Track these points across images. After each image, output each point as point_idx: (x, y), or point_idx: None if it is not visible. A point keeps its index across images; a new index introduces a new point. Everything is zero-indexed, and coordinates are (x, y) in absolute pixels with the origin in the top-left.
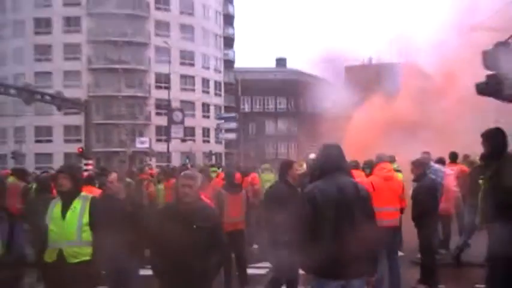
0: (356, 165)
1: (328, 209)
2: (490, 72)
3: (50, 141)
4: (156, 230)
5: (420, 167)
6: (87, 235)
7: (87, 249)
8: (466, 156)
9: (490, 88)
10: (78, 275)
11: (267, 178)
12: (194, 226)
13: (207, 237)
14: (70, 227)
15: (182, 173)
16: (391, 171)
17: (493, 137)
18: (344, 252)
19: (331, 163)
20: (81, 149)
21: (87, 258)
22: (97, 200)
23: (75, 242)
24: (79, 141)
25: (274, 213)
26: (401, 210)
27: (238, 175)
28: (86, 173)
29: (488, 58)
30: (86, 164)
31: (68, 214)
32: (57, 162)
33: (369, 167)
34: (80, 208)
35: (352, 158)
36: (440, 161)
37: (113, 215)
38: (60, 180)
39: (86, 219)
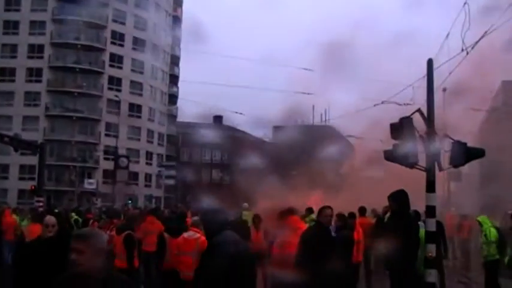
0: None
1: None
2: (396, 142)
3: (6, 178)
4: None
5: (341, 220)
6: None
7: None
8: (373, 210)
9: (395, 155)
10: None
11: None
12: None
13: None
14: None
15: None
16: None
17: (398, 198)
18: None
19: (222, 221)
20: (33, 187)
21: None
22: None
23: None
24: (32, 179)
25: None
26: None
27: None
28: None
29: (394, 130)
30: (37, 201)
31: None
32: (12, 198)
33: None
34: None
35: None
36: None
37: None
38: None
39: None
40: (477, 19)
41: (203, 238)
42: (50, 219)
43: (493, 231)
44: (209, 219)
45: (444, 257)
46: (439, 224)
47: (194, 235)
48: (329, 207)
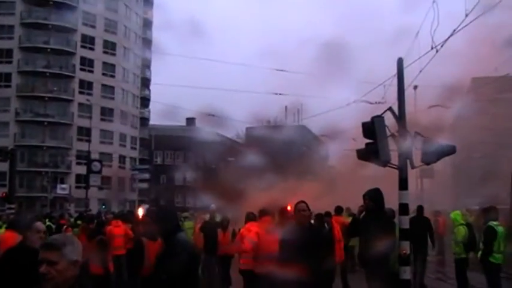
0: (254, 217)
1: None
2: (368, 141)
3: None
4: None
5: (318, 219)
6: None
7: None
8: (347, 209)
9: (368, 154)
10: None
11: (188, 225)
12: None
13: None
14: None
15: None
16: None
17: (374, 196)
18: None
19: (177, 222)
20: (4, 194)
21: None
22: None
23: None
24: (3, 186)
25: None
26: None
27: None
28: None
29: (366, 129)
30: (9, 208)
31: None
32: None
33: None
34: None
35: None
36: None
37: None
38: None
39: None
40: (446, 17)
41: None
42: (41, 225)
43: (461, 230)
44: (165, 220)
45: (427, 254)
46: (426, 222)
47: None
48: (303, 201)
